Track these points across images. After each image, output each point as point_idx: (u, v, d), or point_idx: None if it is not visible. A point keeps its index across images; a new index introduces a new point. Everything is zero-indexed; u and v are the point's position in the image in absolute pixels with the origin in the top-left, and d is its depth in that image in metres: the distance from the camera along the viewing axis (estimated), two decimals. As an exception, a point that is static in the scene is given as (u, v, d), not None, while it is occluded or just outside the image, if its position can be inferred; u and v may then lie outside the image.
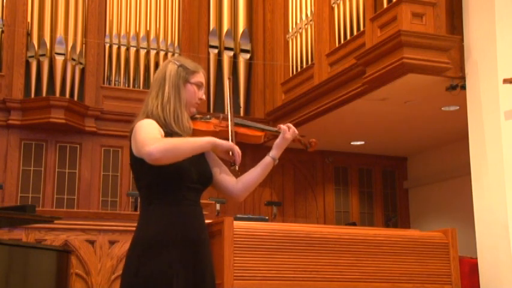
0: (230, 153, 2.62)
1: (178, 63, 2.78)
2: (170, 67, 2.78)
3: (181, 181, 2.61)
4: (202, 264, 2.61)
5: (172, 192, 2.59)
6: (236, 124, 2.80)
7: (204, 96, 2.81)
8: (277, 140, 2.83)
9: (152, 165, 2.50)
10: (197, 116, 2.80)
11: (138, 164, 2.59)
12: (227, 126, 2.74)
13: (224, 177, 2.80)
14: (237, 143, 2.74)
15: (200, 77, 2.80)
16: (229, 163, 2.64)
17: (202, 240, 2.65)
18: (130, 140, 2.65)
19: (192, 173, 2.64)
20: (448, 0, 6.64)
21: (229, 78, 3.05)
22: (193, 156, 2.61)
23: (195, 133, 2.72)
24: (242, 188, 2.78)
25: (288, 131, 2.83)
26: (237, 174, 2.74)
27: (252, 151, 6.23)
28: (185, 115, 2.72)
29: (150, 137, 2.52)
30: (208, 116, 2.82)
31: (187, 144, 2.55)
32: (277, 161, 2.82)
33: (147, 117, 2.68)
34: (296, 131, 2.86)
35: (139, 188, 2.67)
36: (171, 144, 2.50)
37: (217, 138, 2.68)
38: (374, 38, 6.77)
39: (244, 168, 2.70)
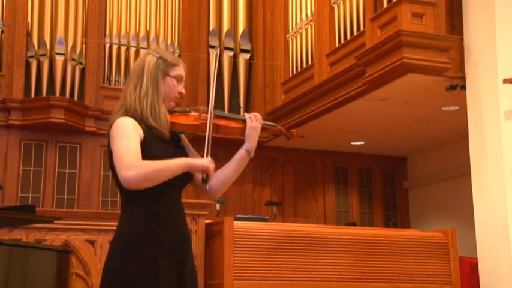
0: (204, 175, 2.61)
1: (157, 55, 2.71)
2: (149, 59, 2.70)
3: None
4: (184, 261, 2.60)
5: (152, 190, 2.54)
6: (217, 116, 2.73)
7: (183, 90, 2.74)
8: (247, 131, 2.74)
9: None
10: (176, 109, 2.73)
11: None
12: (207, 119, 2.68)
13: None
14: (220, 137, 2.73)
15: (180, 70, 2.73)
16: (202, 178, 2.62)
17: (184, 237, 2.64)
18: (108, 138, 2.60)
19: None
20: (448, 0, 6.64)
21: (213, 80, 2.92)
22: (174, 152, 2.62)
23: (175, 126, 2.67)
24: (217, 185, 2.73)
25: (254, 119, 2.75)
26: (205, 188, 2.69)
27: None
28: (163, 109, 2.65)
29: (131, 159, 2.48)
30: (187, 109, 2.75)
31: (165, 172, 2.52)
32: (252, 153, 2.74)
33: (125, 112, 2.63)
34: (261, 119, 2.78)
35: (120, 186, 2.61)
36: (149, 172, 2.48)
37: (198, 131, 2.67)
38: (374, 38, 6.76)
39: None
